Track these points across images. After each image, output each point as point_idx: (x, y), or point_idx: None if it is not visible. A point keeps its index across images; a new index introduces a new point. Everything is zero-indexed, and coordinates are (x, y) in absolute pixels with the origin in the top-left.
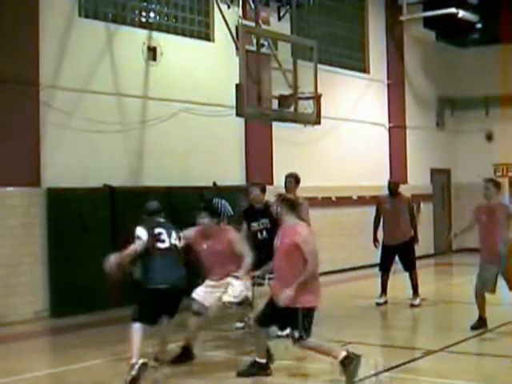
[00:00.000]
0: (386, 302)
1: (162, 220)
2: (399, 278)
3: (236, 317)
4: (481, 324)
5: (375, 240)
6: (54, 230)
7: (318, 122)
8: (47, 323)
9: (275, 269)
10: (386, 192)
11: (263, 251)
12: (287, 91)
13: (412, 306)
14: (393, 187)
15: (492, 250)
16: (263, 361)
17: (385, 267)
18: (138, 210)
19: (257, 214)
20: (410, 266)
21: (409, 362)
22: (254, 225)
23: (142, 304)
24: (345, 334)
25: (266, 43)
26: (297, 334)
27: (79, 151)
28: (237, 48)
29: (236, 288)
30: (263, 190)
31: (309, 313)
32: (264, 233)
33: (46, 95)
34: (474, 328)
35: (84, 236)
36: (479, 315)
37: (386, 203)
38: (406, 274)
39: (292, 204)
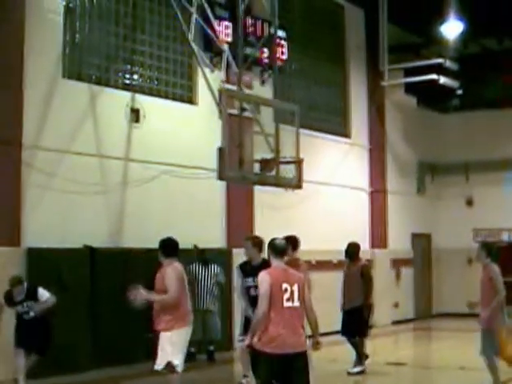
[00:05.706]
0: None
1: None
2: (374, 342)
3: None
4: None
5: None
6: None
7: (300, 187)
8: None
9: None
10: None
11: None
12: (269, 155)
13: (348, 373)
14: (347, 250)
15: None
16: None
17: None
18: (117, 271)
19: (253, 269)
20: (348, 333)
21: None
22: (249, 280)
23: None
24: None
25: (248, 107)
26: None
27: (60, 211)
28: (220, 111)
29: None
30: (256, 245)
31: (265, 357)
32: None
33: (28, 155)
34: None
35: (63, 297)
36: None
37: (344, 267)
38: (379, 339)
39: (272, 248)
